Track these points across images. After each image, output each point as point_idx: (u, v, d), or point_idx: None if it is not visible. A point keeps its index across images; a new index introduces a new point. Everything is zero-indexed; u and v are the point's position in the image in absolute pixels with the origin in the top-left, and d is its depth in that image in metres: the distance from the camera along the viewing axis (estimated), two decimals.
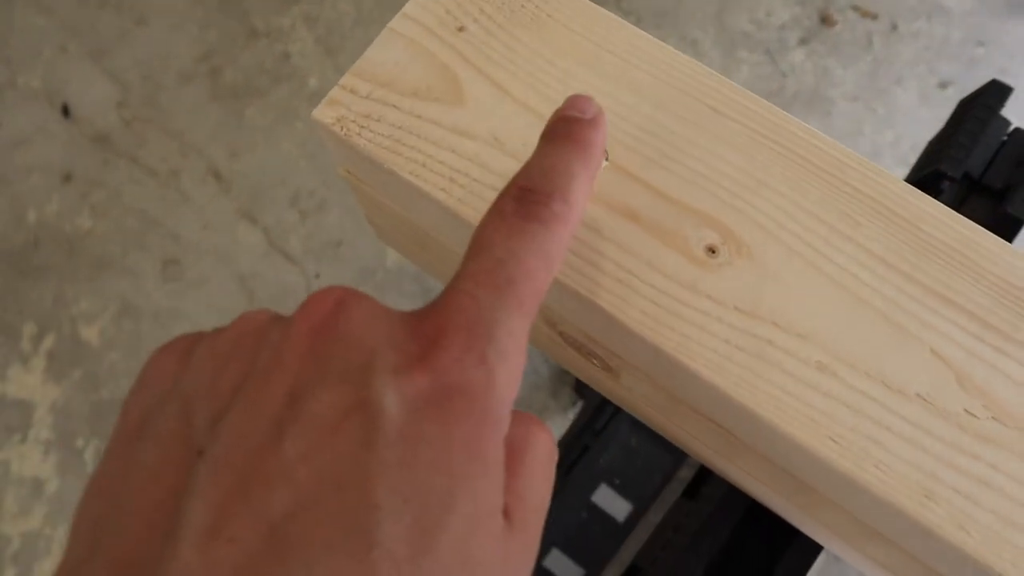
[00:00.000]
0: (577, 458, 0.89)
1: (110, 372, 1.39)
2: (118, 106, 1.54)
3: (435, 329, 0.21)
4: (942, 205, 0.32)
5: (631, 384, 0.35)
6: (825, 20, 1.57)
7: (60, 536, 1.30)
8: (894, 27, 1.56)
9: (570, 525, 0.87)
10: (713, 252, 0.30)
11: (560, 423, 1.27)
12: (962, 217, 0.32)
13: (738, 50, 1.53)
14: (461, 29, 0.34)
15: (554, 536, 0.86)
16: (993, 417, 0.28)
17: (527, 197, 0.24)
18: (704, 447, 0.36)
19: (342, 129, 0.33)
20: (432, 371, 0.20)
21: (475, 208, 0.31)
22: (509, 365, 0.22)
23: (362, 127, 0.33)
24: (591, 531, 0.87)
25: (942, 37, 1.55)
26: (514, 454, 0.22)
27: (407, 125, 0.32)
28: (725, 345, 0.29)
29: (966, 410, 0.28)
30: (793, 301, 0.30)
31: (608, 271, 0.30)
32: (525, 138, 0.32)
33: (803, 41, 1.54)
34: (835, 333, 0.29)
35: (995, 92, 0.52)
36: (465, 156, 0.32)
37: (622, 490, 0.88)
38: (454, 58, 0.34)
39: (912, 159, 1.45)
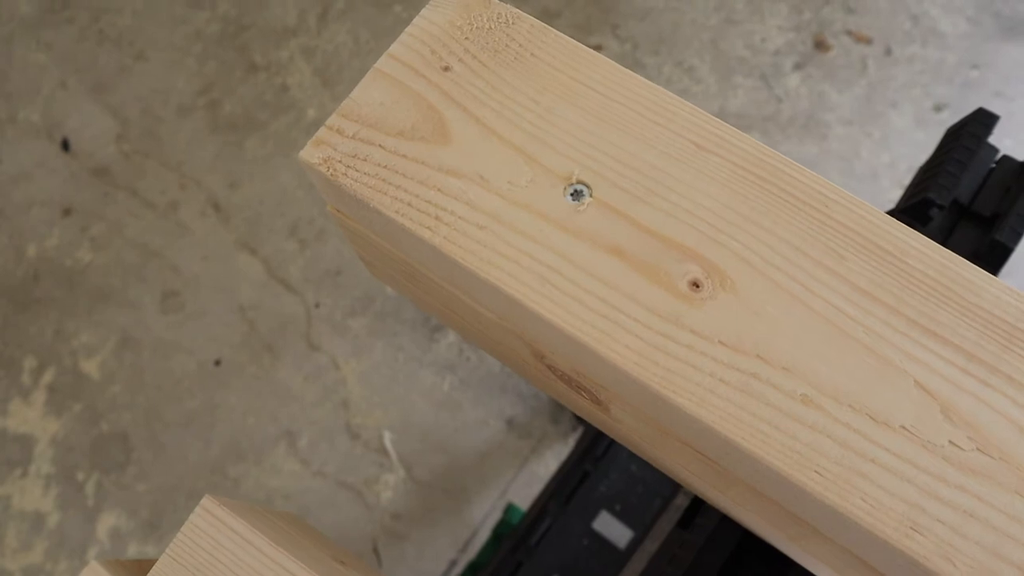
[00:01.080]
0: (577, 485, 0.89)
1: (111, 405, 1.39)
2: (117, 139, 1.55)
3: None
4: (927, 238, 0.32)
5: (621, 416, 0.35)
6: (819, 45, 1.58)
7: (61, 571, 1.29)
8: (888, 51, 1.57)
9: (571, 552, 0.87)
10: (697, 287, 0.31)
11: (560, 449, 1.27)
12: (947, 250, 0.32)
13: (734, 75, 1.54)
14: (446, 69, 0.35)
15: (555, 563, 0.86)
16: (978, 448, 0.28)
17: None
18: (695, 478, 0.36)
19: (328, 169, 0.33)
20: None
21: (461, 246, 0.31)
22: None
23: (348, 167, 0.33)
24: (592, 557, 0.86)
25: (936, 61, 1.56)
26: None
27: (393, 164, 0.33)
28: (709, 379, 0.29)
29: (951, 442, 0.29)
30: (778, 335, 0.30)
31: (592, 306, 0.30)
32: (510, 176, 0.32)
33: (798, 66, 1.56)
34: (820, 366, 0.30)
35: (982, 120, 0.52)
36: (451, 194, 0.32)
37: (623, 516, 0.88)
38: (439, 98, 0.34)
39: (910, 181, 1.45)
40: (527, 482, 1.26)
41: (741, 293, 0.31)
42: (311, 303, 1.40)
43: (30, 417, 1.40)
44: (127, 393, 1.39)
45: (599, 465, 0.89)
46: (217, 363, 1.38)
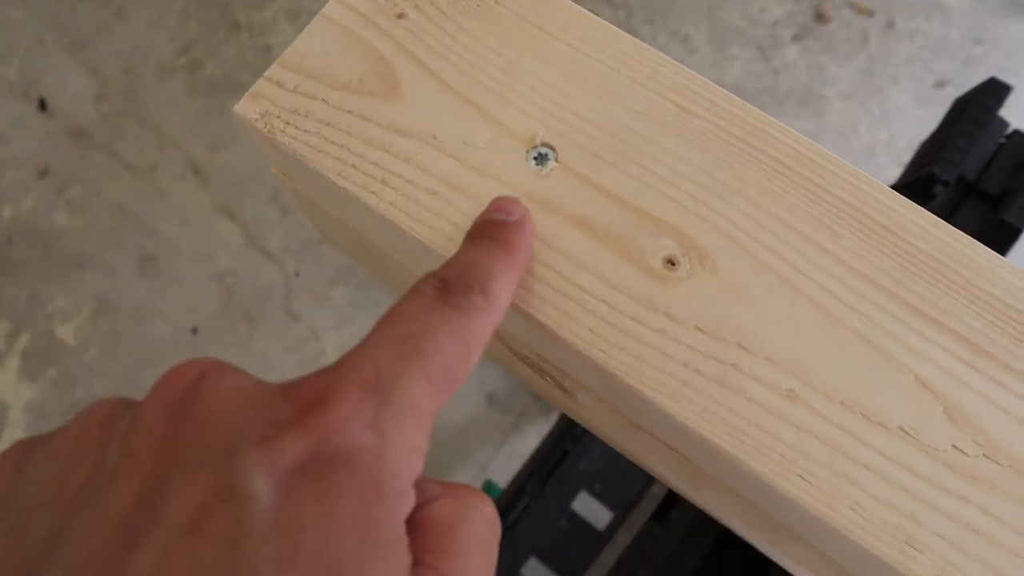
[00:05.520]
0: (556, 464, 0.86)
1: (86, 371, 1.35)
2: (96, 99, 1.50)
3: (318, 391, 0.19)
4: (933, 215, 0.28)
5: (588, 405, 0.32)
6: (820, 16, 1.54)
7: None
8: (890, 24, 1.53)
9: (548, 533, 0.84)
10: (673, 264, 0.27)
11: (542, 426, 1.24)
12: (955, 229, 0.28)
13: (730, 46, 1.50)
14: (400, 16, 0.31)
15: (532, 544, 0.83)
16: (985, 454, 0.25)
17: (447, 287, 0.23)
18: (669, 474, 0.33)
19: (265, 125, 0.29)
20: (310, 434, 0.17)
21: (408, 213, 0.28)
22: (407, 434, 0.19)
23: (287, 123, 0.29)
24: (570, 539, 0.84)
25: (940, 35, 1.52)
26: (445, 531, 0.20)
27: (336, 121, 0.29)
28: (683, 369, 0.26)
29: (955, 446, 0.25)
30: (762, 321, 0.27)
31: (555, 284, 0.27)
32: (466, 136, 0.29)
33: (797, 38, 1.51)
34: (808, 358, 0.26)
35: (993, 91, 0.49)
36: (399, 156, 0.29)
37: (602, 497, 0.85)
38: (391, 48, 0.30)
39: (908, 159, 1.42)
40: (507, 458, 1.23)
41: (722, 273, 0.27)
42: (291, 272, 1.36)
43: (4, 383, 1.36)
44: (103, 359, 1.36)
45: (579, 444, 0.86)
46: (194, 331, 1.35)
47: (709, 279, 0.27)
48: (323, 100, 0.30)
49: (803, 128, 1.44)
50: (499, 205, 0.27)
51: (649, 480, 0.83)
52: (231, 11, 1.55)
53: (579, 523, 0.84)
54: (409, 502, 0.19)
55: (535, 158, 0.28)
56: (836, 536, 0.25)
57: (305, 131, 0.29)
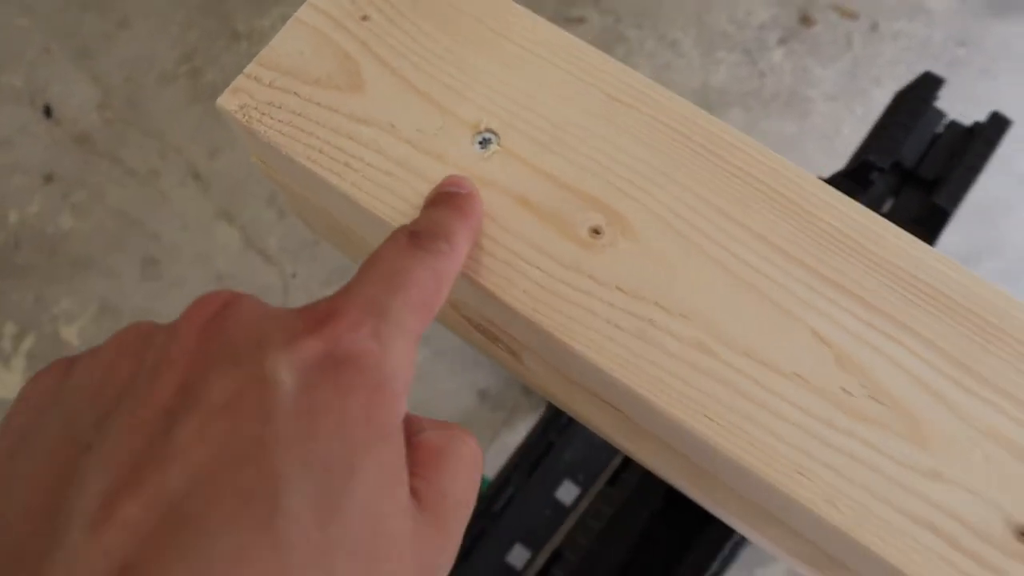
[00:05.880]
0: (541, 455, 0.89)
1: None
2: (99, 107, 1.54)
3: (326, 310, 0.22)
4: (837, 192, 0.32)
5: (532, 366, 0.36)
6: (805, 20, 1.57)
7: None
8: (874, 27, 1.56)
9: (533, 522, 0.87)
10: (597, 233, 0.31)
11: (533, 421, 1.27)
12: (856, 203, 0.32)
13: (717, 50, 1.54)
14: (365, 18, 0.35)
15: (517, 532, 0.86)
16: (870, 396, 0.29)
17: (417, 235, 0.27)
18: (611, 430, 0.37)
19: (244, 116, 0.33)
20: (324, 340, 0.21)
21: (369, 193, 0.32)
22: (401, 346, 0.23)
23: (263, 114, 0.33)
24: (554, 527, 0.87)
25: (923, 37, 1.56)
26: (434, 453, 0.24)
27: (306, 112, 0.33)
28: (606, 325, 0.30)
29: (843, 388, 0.29)
30: (677, 282, 0.30)
31: (496, 254, 0.31)
32: (420, 124, 0.32)
33: (782, 41, 1.55)
34: (717, 314, 0.30)
35: (928, 84, 0.52)
36: (361, 142, 0.32)
37: (585, 486, 0.88)
38: (356, 47, 0.34)
39: None
40: (499, 453, 1.26)
41: (642, 241, 0.31)
42: (288, 273, 1.40)
43: (10, 383, 1.40)
44: None
45: (563, 434, 0.89)
46: None
47: (630, 246, 0.31)
48: (295, 94, 0.33)
49: (787, 130, 1.48)
50: (452, 180, 0.31)
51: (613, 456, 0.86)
52: (231, 20, 1.59)
53: (563, 511, 0.87)
54: (403, 404, 0.22)
55: (479, 142, 0.32)
56: (739, 469, 0.29)
57: (279, 121, 0.33)
